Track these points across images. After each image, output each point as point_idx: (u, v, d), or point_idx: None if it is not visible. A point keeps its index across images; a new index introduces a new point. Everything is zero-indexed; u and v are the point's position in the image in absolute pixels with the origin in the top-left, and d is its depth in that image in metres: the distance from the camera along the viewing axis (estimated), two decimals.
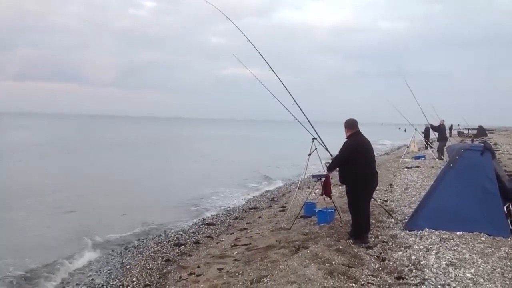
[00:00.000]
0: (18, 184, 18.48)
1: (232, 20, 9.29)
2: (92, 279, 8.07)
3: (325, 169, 8.16)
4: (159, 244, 10.06)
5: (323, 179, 8.92)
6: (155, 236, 10.88)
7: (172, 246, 9.84)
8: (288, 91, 8.79)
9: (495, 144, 34.84)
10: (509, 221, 7.24)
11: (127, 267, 8.63)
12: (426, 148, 26.12)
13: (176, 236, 10.75)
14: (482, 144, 8.00)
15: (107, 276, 8.21)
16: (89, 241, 10.36)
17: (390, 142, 54.07)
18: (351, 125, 7.37)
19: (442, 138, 23.12)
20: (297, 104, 8.79)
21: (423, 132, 27.63)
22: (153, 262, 8.75)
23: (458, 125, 62.63)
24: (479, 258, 6.00)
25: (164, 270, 8.07)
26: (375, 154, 7.86)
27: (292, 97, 8.77)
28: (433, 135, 26.68)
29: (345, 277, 5.44)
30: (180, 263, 8.30)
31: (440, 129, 23.31)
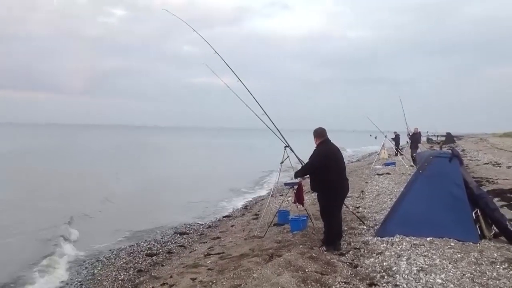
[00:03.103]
0: None
1: (203, 30, 9.29)
2: None
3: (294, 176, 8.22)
4: (131, 254, 9.95)
5: (296, 187, 8.98)
6: (127, 246, 10.73)
7: (145, 256, 9.74)
8: (257, 102, 8.83)
9: (463, 150, 35.61)
10: (477, 226, 7.38)
11: (99, 278, 8.51)
12: (396, 155, 26.53)
13: (149, 246, 10.64)
14: (450, 151, 8.15)
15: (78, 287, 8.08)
16: (60, 252, 10.17)
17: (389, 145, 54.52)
18: (320, 133, 7.44)
19: (413, 147, 23.60)
20: (267, 115, 8.85)
21: (393, 139, 28.11)
22: (125, 273, 8.64)
23: (427, 132, 63.85)
24: (449, 263, 6.09)
25: (137, 281, 7.98)
26: (346, 161, 7.95)
27: (262, 108, 8.82)
28: (404, 142, 27.18)
29: (318, 284, 5.47)
30: (153, 274, 8.22)
31: (412, 137, 23.84)
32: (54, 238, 11.51)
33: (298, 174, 7.81)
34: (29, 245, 10.96)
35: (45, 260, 9.55)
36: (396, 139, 29.30)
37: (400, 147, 29.07)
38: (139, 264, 9.16)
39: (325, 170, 7.13)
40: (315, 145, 7.48)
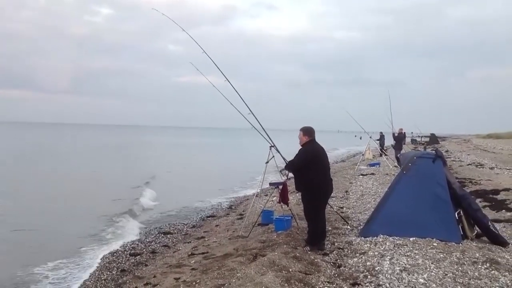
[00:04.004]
0: None
1: (190, 29, 9.25)
2: None
3: (281, 176, 8.21)
4: (114, 254, 9.87)
5: (281, 187, 8.98)
6: (110, 245, 10.65)
7: (128, 256, 9.68)
8: (244, 102, 8.82)
9: (447, 151, 35.96)
10: (460, 227, 7.44)
11: (82, 278, 8.43)
12: (381, 155, 26.69)
13: (132, 245, 10.57)
14: (433, 152, 8.21)
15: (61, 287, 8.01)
16: (43, 251, 10.07)
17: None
18: (309, 132, 7.41)
19: (397, 147, 23.77)
20: (253, 114, 8.84)
21: (378, 140, 28.26)
22: (108, 272, 8.57)
23: (412, 132, 64.31)
24: (432, 263, 6.13)
25: (120, 281, 7.92)
26: (331, 161, 7.95)
27: (248, 108, 8.81)
28: (388, 143, 27.32)
29: (302, 284, 5.47)
30: (136, 273, 8.16)
31: (396, 138, 23.99)
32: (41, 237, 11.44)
33: (287, 167, 7.74)
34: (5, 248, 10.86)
35: (29, 260, 9.46)
36: (381, 139, 29.45)
37: (385, 148, 29.25)
38: (122, 264, 9.09)
39: (310, 170, 7.13)
40: (300, 143, 7.45)
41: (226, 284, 5.60)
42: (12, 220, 13.49)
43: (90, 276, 8.47)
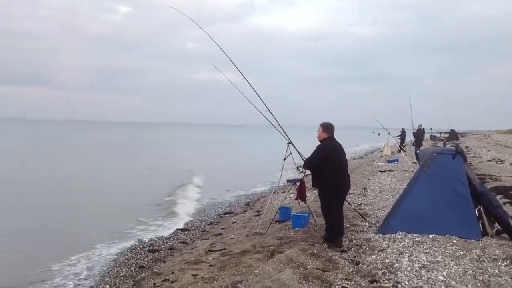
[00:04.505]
0: None
1: (207, 26, 9.24)
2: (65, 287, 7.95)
3: (298, 173, 8.18)
4: (133, 250, 9.95)
5: (298, 183, 8.96)
6: (128, 242, 10.74)
7: (146, 252, 9.74)
8: (261, 99, 8.78)
9: (467, 147, 35.51)
10: (480, 223, 7.35)
11: (101, 274, 8.52)
12: (399, 151, 26.47)
13: (151, 242, 10.63)
14: (453, 148, 8.11)
15: (81, 283, 8.10)
16: (62, 248, 10.19)
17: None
18: (328, 128, 7.37)
19: (417, 144, 23.60)
20: (270, 111, 8.80)
21: (398, 136, 28.02)
22: (127, 269, 8.64)
23: (431, 129, 63.66)
24: (451, 260, 6.07)
25: (138, 277, 7.96)
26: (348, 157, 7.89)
27: (265, 105, 8.77)
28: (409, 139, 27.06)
29: (320, 281, 5.45)
30: (154, 270, 8.20)
31: (415, 135, 23.83)
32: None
33: (305, 165, 7.73)
34: (25, 245, 11.01)
35: (46, 258, 9.60)
36: (402, 135, 29.17)
37: (404, 144, 28.98)
38: (141, 260, 9.15)
39: (327, 166, 7.11)
40: (319, 139, 7.42)
41: (244, 281, 5.61)
42: (38, 216, 13.84)
43: (109, 272, 8.56)
